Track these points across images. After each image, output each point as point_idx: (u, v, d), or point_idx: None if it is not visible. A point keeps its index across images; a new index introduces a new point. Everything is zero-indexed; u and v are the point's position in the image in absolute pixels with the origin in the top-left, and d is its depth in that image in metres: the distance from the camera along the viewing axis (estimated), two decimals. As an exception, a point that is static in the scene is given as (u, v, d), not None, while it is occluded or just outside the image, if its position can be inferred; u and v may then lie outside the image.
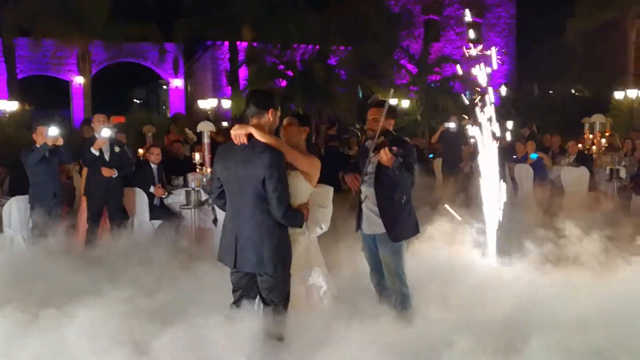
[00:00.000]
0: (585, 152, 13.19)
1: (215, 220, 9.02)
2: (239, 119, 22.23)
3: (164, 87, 31.74)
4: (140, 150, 12.83)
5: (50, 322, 4.62)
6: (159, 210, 9.24)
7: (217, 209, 8.87)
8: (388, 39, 25.90)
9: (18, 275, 6.33)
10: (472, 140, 14.91)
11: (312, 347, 4.23)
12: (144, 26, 23.35)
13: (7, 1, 21.74)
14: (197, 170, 10.21)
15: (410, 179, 5.12)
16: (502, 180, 6.91)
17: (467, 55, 7.39)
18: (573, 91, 29.15)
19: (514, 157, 12.38)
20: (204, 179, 9.86)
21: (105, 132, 8.22)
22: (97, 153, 8.31)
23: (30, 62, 26.91)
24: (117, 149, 8.58)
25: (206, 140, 11.11)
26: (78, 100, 26.43)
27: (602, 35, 24.88)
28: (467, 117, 13.51)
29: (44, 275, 6.19)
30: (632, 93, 21.89)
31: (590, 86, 26.92)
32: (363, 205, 5.29)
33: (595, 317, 4.77)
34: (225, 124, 21.11)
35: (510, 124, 16.52)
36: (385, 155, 4.83)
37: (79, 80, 25.64)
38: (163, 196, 9.35)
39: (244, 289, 4.42)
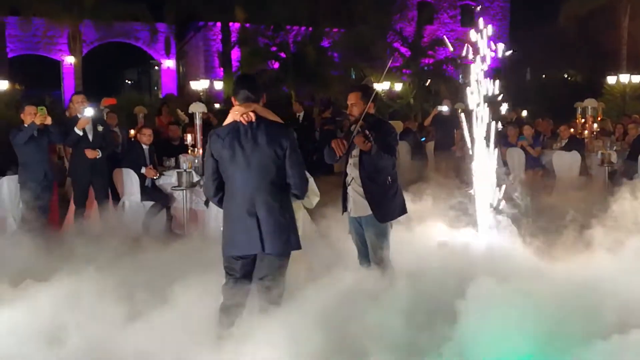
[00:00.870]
0: (577, 136, 13.20)
1: (207, 202, 8.99)
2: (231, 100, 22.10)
3: (156, 67, 31.54)
4: (132, 131, 12.77)
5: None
6: (150, 192, 9.20)
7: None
8: (381, 22, 25.77)
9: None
10: (464, 124, 14.97)
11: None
12: (135, 6, 23.15)
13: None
14: (189, 151, 10.16)
15: (391, 161, 5.15)
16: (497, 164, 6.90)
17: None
18: (565, 76, 29.20)
19: (507, 141, 12.39)
20: (196, 160, 9.83)
21: (88, 112, 8.16)
22: (81, 133, 8.25)
23: (21, 41, 26.66)
24: (100, 128, 8.51)
25: (198, 121, 11.06)
26: (69, 80, 26.24)
27: (595, 20, 24.85)
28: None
29: (27, 254, 6.18)
30: (625, 78, 21.94)
31: (583, 71, 26.95)
32: (349, 188, 5.30)
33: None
34: (217, 105, 21.05)
35: (504, 107, 16.57)
36: (360, 141, 4.89)
37: (69, 60, 25.43)
38: (154, 177, 9.31)
39: (245, 273, 4.30)
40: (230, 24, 27.17)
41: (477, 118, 6.87)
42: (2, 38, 23.94)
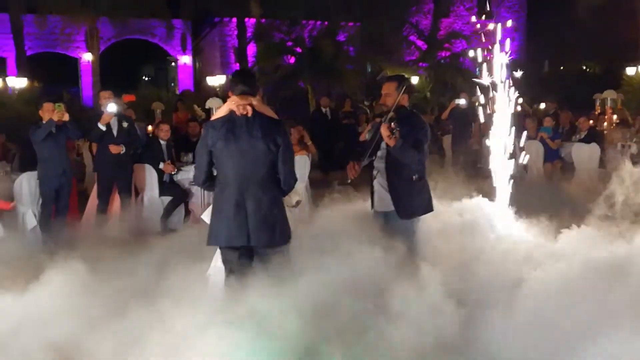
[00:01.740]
0: (596, 128, 13.07)
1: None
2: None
3: (172, 64, 31.64)
4: (150, 127, 12.85)
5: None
6: (168, 187, 9.26)
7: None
8: (397, 15, 25.64)
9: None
10: (481, 118, 14.89)
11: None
12: (151, 2, 23.22)
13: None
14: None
15: (417, 157, 5.02)
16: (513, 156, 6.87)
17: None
18: (584, 67, 28.88)
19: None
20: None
21: (112, 107, 8.22)
22: (104, 128, 8.33)
23: (39, 39, 26.84)
24: (125, 125, 8.59)
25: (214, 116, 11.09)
26: (86, 77, 26.40)
27: (614, 11, 24.52)
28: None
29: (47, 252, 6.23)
30: (644, 69, 21.68)
31: (602, 62, 26.63)
32: (375, 182, 5.22)
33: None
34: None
35: (520, 100, 16.41)
36: (384, 133, 4.80)
37: (87, 57, 25.60)
38: (172, 173, 9.36)
39: (243, 267, 4.30)
40: (246, 19, 27.17)
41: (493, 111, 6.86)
42: (20, 36, 24.12)
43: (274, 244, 4.29)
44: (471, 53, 6.75)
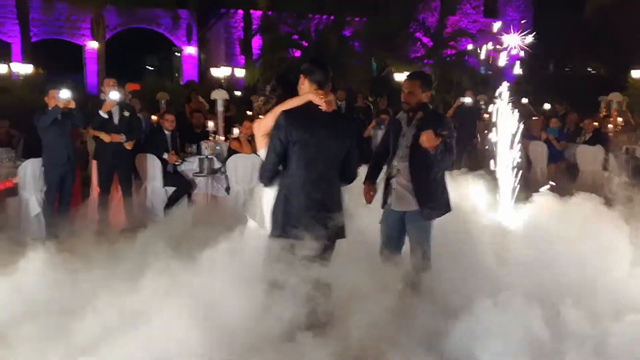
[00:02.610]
0: (601, 130, 13.04)
1: (228, 189, 9.03)
2: (252, 88, 22.14)
3: (177, 54, 31.59)
4: (154, 117, 12.84)
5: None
6: (172, 177, 9.25)
7: (230, 177, 8.89)
8: (404, 11, 25.57)
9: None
10: (486, 116, 14.88)
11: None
12: (158, -8, 23.20)
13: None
14: (210, 138, 10.20)
15: (449, 161, 4.98)
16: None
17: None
18: (589, 69, 28.83)
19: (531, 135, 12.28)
20: (217, 147, 9.88)
21: (114, 95, 8.19)
22: (105, 116, 8.29)
23: (44, 25, 26.79)
24: (126, 114, 8.55)
25: (220, 108, 11.09)
26: (91, 65, 26.37)
27: (621, 13, 24.43)
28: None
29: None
30: (650, 72, 21.58)
31: (608, 64, 26.56)
32: (393, 180, 5.11)
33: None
34: (238, 93, 21.04)
35: (524, 101, 16.39)
36: (429, 140, 4.64)
37: (92, 45, 25.56)
38: (176, 163, 9.35)
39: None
40: (252, 11, 27.11)
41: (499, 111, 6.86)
42: (26, 21, 24.06)
43: (342, 235, 4.29)
44: (481, 51, 6.75)
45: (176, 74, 31.89)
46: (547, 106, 19.06)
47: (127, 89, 10.73)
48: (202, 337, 3.83)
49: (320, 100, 4.09)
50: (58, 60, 24.73)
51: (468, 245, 5.61)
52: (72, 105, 7.85)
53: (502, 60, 7.75)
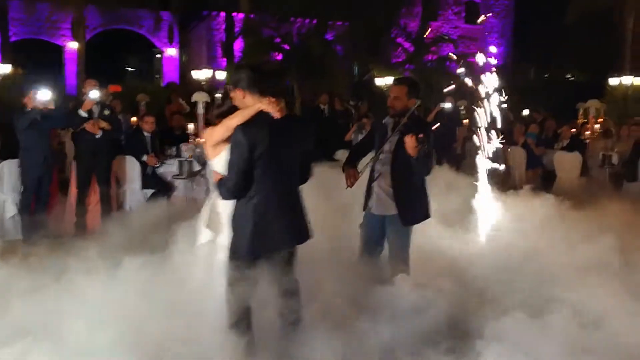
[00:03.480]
0: (579, 137, 13.19)
1: (208, 191, 9.00)
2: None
3: (158, 56, 31.44)
4: (134, 119, 12.77)
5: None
6: (151, 180, 9.21)
7: (209, 180, 8.86)
8: (386, 16, 25.68)
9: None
10: (466, 121, 14.98)
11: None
12: (140, -7, 23.08)
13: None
14: (190, 140, 10.17)
15: (429, 167, 5.01)
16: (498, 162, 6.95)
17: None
18: (568, 76, 29.14)
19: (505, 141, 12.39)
20: (197, 150, 9.84)
21: (94, 94, 8.15)
22: (85, 115, 8.24)
23: (24, 25, 26.52)
24: (106, 112, 8.51)
25: (200, 110, 11.06)
26: (71, 65, 26.15)
27: (601, 21, 24.76)
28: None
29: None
30: (627, 80, 21.90)
31: (586, 71, 26.87)
32: (374, 184, 5.13)
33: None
34: (219, 95, 20.98)
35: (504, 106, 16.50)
36: (411, 145, 4.61)
37: (72, 45, 25.33)
38: (155, 165, 9.31)
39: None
40: (234, 14, 27.05)
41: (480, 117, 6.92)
42: (5, 21, 23.81)
43: (305, 239, 4.20)
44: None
45: (157, 76, 31.74)
46: (526, 112, 19.24)
47: (109, 90, 10.68)
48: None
49: (273, 109, 3.93)
50: (37, 60, 24.47)
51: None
52: (52, 106, 7.80)
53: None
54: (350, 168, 5.27)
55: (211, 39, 30.83)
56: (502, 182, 9.38)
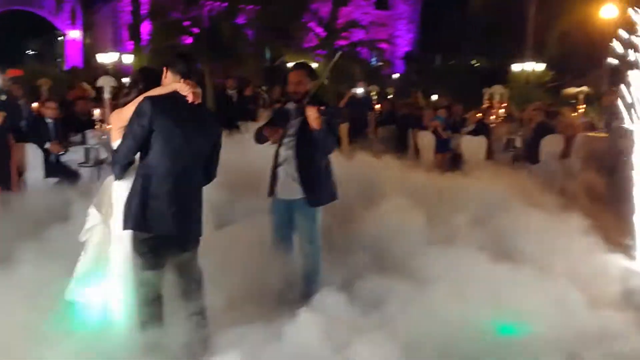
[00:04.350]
0: (484, 121, 13.62)
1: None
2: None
3: (60, 38, 30.14)
4: (35, 105, 12.16)
5: None
6: (55, 168, 8.81)
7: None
8: (297, 0, 25.62)
9: None
10: (377, 107, 15.19)
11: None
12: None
13: None
14: (96, 126, 9.81)
15: (333, 144, 5.07)
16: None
17: None
18: (473, 62, 30.10)
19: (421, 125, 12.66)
20: (103, 136, 9.51)
21: None
22: None
23: None
24: (2, 97, 8.09)
25: (107, 95, 10.69)
26: (-36, 48, 24.69)
27: (504, 9, 25.67)
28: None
29: None
30: (529, 66, 22.86)
31: (490, 58, 27.84)
32: (280, 169, 5.13)
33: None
34: (126, 80, 20.34)
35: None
36: (313, 115, 4.70)
37: (-35, 26, 23.94)
38: (60, 153, 8.91)
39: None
40: (141, -5, 26.28)
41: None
42: None
43: (199, 234, 4.13)
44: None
45: (59, 59, 30.44)
46: (434, 97, 19.76)
47: (7, 75, 10.14)
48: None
49: (187, 91, 3.90)
50: None
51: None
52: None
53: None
54: (270, 126, 5.23)
55: (117, 21, 29.88)
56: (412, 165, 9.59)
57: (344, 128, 14.70)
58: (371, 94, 14.58)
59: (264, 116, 12.65)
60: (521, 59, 24.00)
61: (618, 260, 5.73)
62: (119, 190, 4.00)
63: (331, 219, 5.79)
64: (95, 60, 24.30)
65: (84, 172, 8.95)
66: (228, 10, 23.46)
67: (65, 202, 6.32)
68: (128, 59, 23.56)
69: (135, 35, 26.24)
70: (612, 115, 8.28)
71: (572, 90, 20.08)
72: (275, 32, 24.08)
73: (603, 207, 7.59)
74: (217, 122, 4.25)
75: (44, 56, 31.27)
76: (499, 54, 26.36)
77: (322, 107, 4.74)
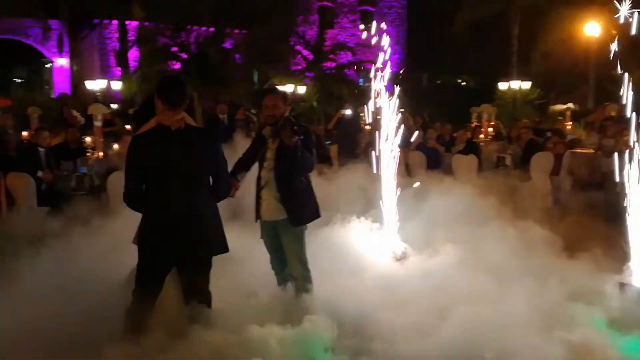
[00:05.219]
0: (473, 140, 13.71)
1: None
2: (129, 101, 21.51)
3: (47, 65, 30.13)
4: (25, 133, 12.14)
5: None
6: (47, 196, 8.79)
7: (110, 195, 8.58)
8: (283, 24, 25.84)
9: None
10: (367, 128, 15.25)
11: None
12: (26, 1, 22.04)
13: None
14: (88, 154, 9.82)
15: (310, 161, 5.18)
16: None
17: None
18: (459, 81, 30.39)
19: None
20: (96, 164, 9.53)
21: None
22: None
23: None
24: None
25: (98, 123, 10.71)
26: (-49, 78, 24.64)
27: (488, 28, 25.98)
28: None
29: None
30: (515, 84, 23.07)
31: (477, 77, 28.11)
32: (262, 192, 5.23)
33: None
34: (115, 106, 20.35)
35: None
36: (287, 136, 4.84)
37: (-48, 56, 23.90)
38: (51, 181, 8.90)
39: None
40: (128, 22, 26.36)
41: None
42: None
43: (211, 254, 4.35)
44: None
45: (46, 87, 30.40)
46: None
47: (-2, 106, 10.15)
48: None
49: (168, 121, 4.10)
50: None
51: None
52: None
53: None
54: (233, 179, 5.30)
55: (104, 48, 29.94)
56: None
57: (334, 149, 14.78)
58: (361, 114, 14.63)
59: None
60: (507, 77, 24.24)
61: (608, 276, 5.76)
62: None
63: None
64: (84, 87, 24.30)
65: (78, 199, 8.91)
66: (215, 35, 23.60)
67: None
68: (117, 85, 23.57)
69: (122, 61, 26.30)
70: (602, 131, 8.38)
71: (559, 107, 20.28)
72: (263, 55, 24.24)
73: (595, 222, 7.63)
74: (209, 139, 4.31)
75: (31, 84, 31.21)
76: (485, 72, 26.63)
77: (296, 127, 4.88)
